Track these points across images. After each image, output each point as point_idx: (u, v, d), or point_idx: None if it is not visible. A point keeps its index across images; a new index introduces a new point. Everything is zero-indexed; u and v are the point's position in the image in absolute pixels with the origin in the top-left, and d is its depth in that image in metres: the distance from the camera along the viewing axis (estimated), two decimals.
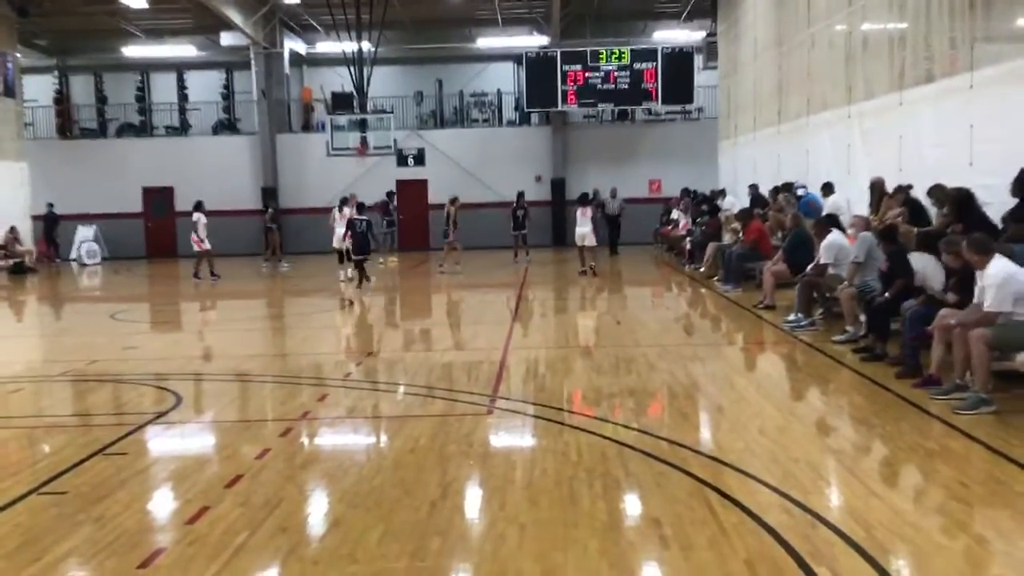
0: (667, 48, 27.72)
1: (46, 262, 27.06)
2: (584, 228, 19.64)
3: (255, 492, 5.64)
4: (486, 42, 30.25)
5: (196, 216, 20.88)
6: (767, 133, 20.71)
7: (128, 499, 5.65)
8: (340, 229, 19.87)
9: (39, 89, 30.64)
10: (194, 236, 20.79)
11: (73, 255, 28.20)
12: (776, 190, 17.41)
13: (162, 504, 5.74)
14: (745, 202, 19.68)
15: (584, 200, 20.34)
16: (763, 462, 6.02)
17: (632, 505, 5.36)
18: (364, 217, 18.82)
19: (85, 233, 28.42)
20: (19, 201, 26.49)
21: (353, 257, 18.60)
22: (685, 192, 24.61)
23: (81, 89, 32.38)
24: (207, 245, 20.82)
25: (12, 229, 25.45)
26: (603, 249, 23.04)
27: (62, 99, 31.77)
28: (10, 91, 26.36)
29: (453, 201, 22.28)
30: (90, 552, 4.76)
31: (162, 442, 7.23)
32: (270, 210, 26.02)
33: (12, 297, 20.52)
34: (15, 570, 4.50)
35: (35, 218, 27.45)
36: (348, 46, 26.49)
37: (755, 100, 21.97)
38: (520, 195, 24.09)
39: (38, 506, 5.51)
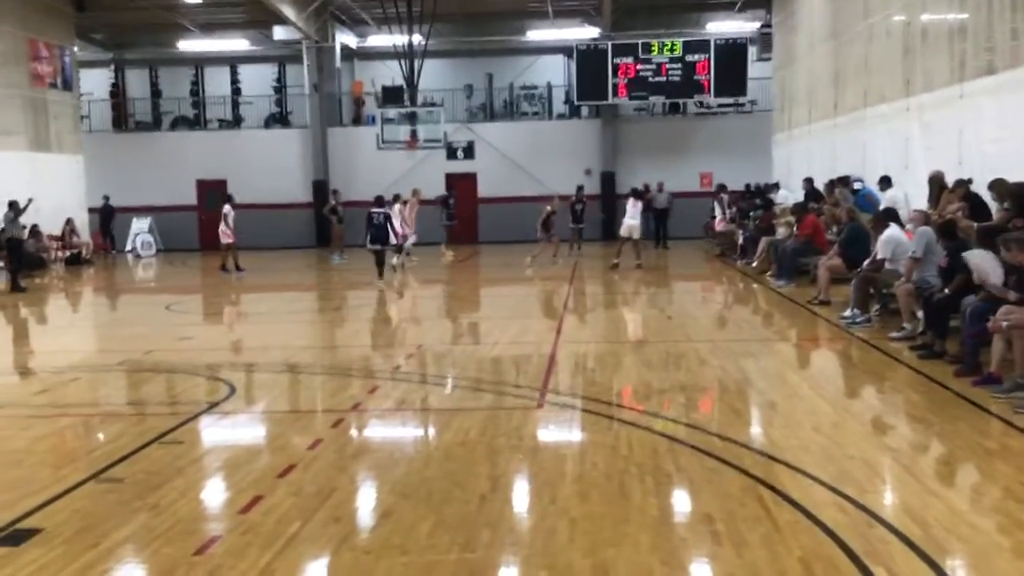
0: (720, 39, 27.35)
1: (102, 254, 27.54)
2: (634, 220, 20.07)
3: (307, 482, 5.69)
4: (536, 34, 30.16)
5: (226, 209, 20.88)
6: (822, 126, 20.40)
7: (183, 487, 5.74)
8: (394, 222, 19.93)
9: (95, 83, 31.19)
10: (223, 228, 20.79)
11: (128, 247, 28.66)
12: (832, 184, 17.13)
13: (216, 493, 5.82)
14: (799, 196, 19.42)
15: (636, 193, 20.84)
16: (817, 459, 5.93)
17: (684, 501, 5.31)
18: (382, 210, 18.98)
19: (140, 225, 28.84)
20: (76, 194, 27.02)
21: (368, 247, 18.77)
22: (721, 187, 24.32)
23: (136, 83, 32.89)
24: (232, 238, 20.78)
25: (69, 221, 25.96)
26: (649, 243, 23.31)
27: (118, 93, 32.31)
28: (67, 85, 26.89)
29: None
30: (147, 539, 4.83)
31: (216, 431, 7.32)
32: (332, 202, 25.60)
33: (69, 288, 20.95)
34: (74, 555, 4.59)
35: (91, 211, 27.92)
36: (399, 39, 26.61)
37: (810, 92, 21.64)
38: (579, 188, 24.14)
39: (96, 493, 5.61)
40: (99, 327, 15.44)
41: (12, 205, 19.28)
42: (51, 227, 24.71)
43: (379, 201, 19.32)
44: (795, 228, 16.20)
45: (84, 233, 26.88)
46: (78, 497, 5.53)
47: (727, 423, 7.05)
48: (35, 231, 22.97)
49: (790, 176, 22.84)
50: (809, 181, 19.45)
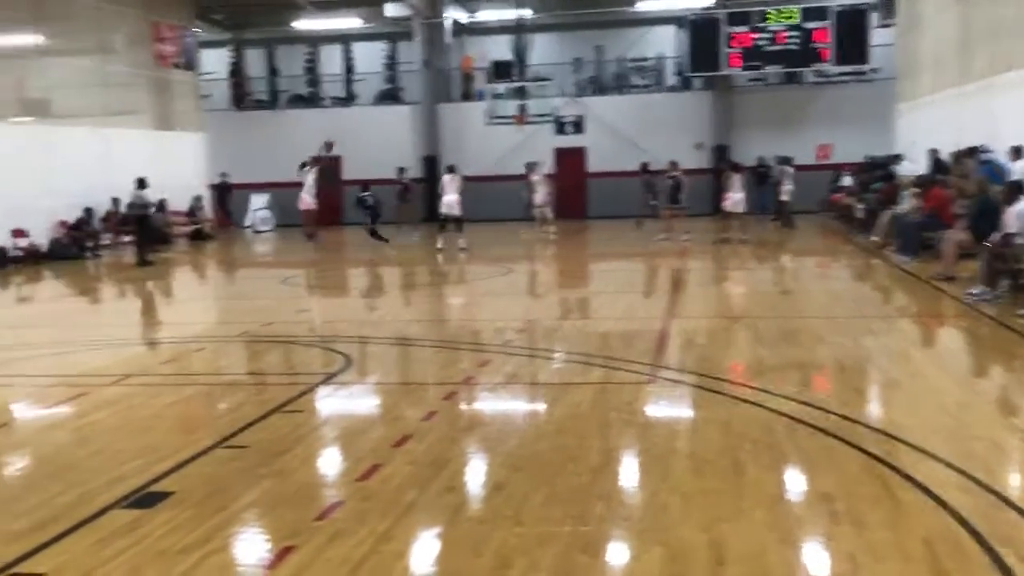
0: (840, 5, 26.36)
1: (221, 229, 28.50)
2: (738, 194, 20.31)
3: (422, 452, 5.79)
4: (647, 5, 29.63)
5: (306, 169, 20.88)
6: (949, 94, 19.54)
7: (304, 455, 5.92)
8: (450, 196, 20.12)
9: (216, 63, 32.18)
10: (303, 194, 20.85)
11: (247, 223, 29.57)
12: (959, 155, 16.42)
13: (335, 461, 5.98)
14: (922, 168, 18.70)
15: (735, 167, 21.17)
16: (942, 439, 5.73)
17: (801, 479, 5.21)
18: (368, 194, 20.83)
19: (258, 202, 29.71)
20: (198, 171, 28.01)
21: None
22: (784, 160, 23.53)
23: (254, 62, 33.77)
24: (313, 205, 20.80)
25: (198, 198, 26.97)
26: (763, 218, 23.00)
27: (237, 72, 33.25)
28: (189, 65, 27.83)
29: (675, 165, 22.04)
30: (271, 504, 5.01)
31: (333, 402, 7.52)
32: (404, 182, 25.68)
33: (193, 263, 21.78)
34: (203, 518, 4.79)
35: (211, 187, 28.91)
36: (509, 13, 26.58)
37: (936, 59, 20.73)
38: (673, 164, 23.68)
39: (222, 459, 5.84)
40: (220, 300, 16.03)
41: (140, 182, 20.12)
42: (175, 203, 25.71)
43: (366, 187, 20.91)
44: (920, 201, 15.61)
45: (208, 209, 27.87)
46: (206, 463, 5.76)
47: (846, 401, 6.85)
48: (161, 207, 23.91)
49: (913, 147, 21.98)
50: (934, 152, 18.71)
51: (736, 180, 20.73)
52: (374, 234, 20.94)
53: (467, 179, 21.78)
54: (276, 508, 4.93)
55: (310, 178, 20.84)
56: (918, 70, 22.59)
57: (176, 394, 7.95)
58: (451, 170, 21.05)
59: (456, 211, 20.01)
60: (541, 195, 22.36)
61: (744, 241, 19.57)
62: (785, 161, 23.33)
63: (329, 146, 22.02)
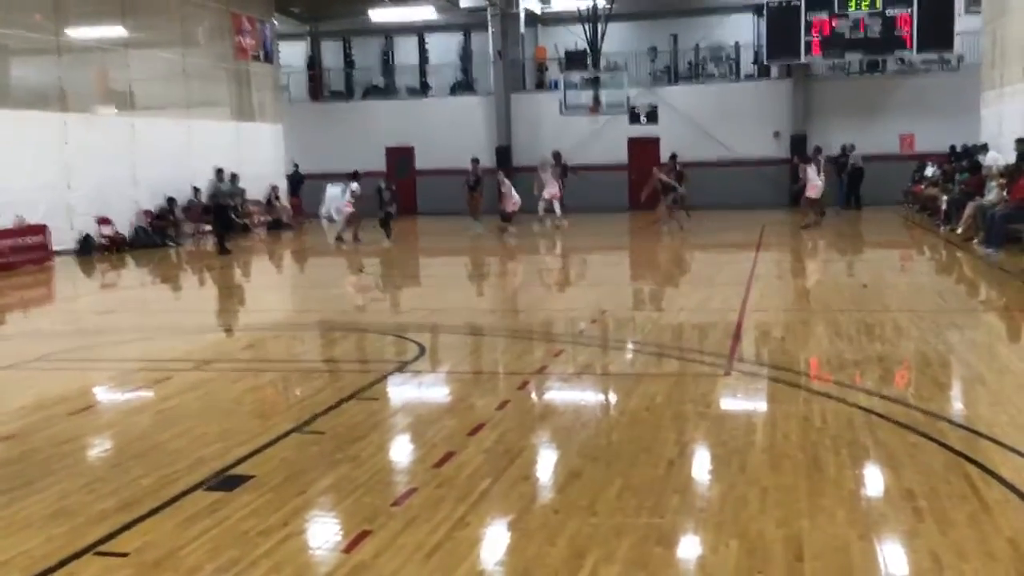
0: None
1: (295, 218, 28.87)
2: (819, 181, 21.15)
3: (496, 441, 5.80)
4: None
5: (354, 186, 20.95)
6: None
7: (380, 441, 5.99)
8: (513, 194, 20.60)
9: (293, 55, 32.68)
10: (346, 202, 21.12)
11: (323, 213, 29.92)
12: None
13: (410, 447, 6.03)
14: (1009, 158, 18.08)
15: (806, 158, 22.10)
16: None
17: (882, 476, 5.07)
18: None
19: (334, 192, 30.01)
20: (276, 161, 28.50)
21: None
22: (817, 150, 22.90)
23: (331, 54, 34.21)
24: (353, 209, 20.97)
25: (274, 188, 27.44)
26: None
27: (314, 64, 33.71)
28: (268, 57, 28.30)
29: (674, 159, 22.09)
30: (348, 488, 5.07)
31: (407, 390, 7.58)
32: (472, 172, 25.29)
33: (270, 251, 22.17)
34: (282, 501, 4.87)
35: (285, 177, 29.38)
36: (583, 3, 26.43)
37: None
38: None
39: (300, 444, 5.93)
40: (297, 288, 16.31)
41: (219, 172, 20.55)
42: (254, 193, 26.21)
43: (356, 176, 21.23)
44: (1007, 192, 15.11)
45: (285, 199, 28.32)
46: (284, 447, 5.86)
47: (929, 397, 6.68)
48: (241, 196, 24.39)
49: (1000, 137, 21.27)
50: (1022, 142, 18.07)
51: (811, 168, 20.99)
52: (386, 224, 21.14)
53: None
54: (352, 493, 4.98)
55: (355, 186, 21.09)
56: (1005, 57, 21.82)
57: (255, 379, 8.10)
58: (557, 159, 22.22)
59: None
60: (554, 188, 22.18)
61: (818, 223, 20.07)
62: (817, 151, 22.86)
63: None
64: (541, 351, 8.87)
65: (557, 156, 23.96)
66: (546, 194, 22.37)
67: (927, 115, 26.72)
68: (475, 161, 25.51)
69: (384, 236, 20.88)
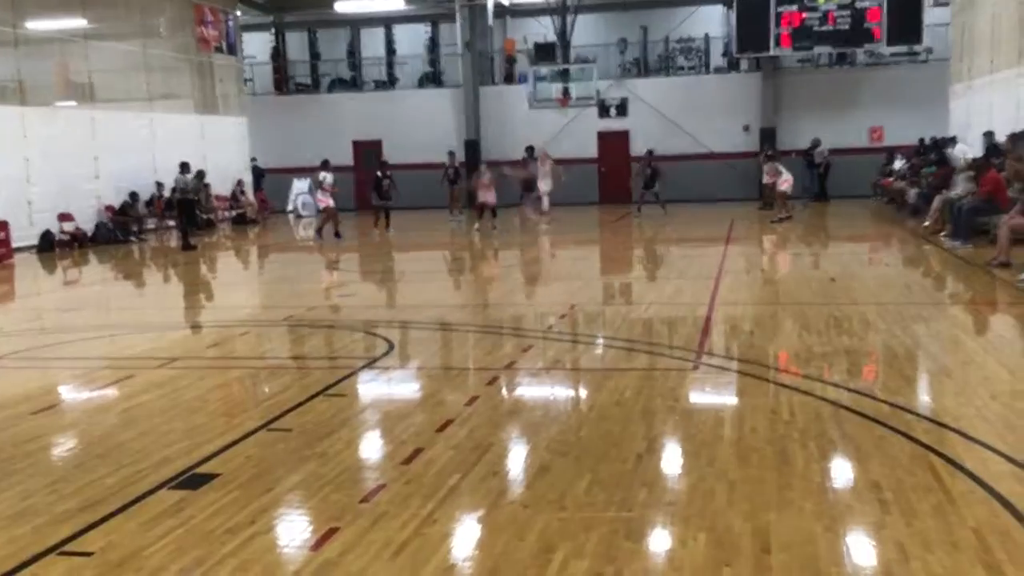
0: None
1: (260, 213, 28.61)
2: (790, 175, 21.39)
3: (465, 437, 5.78)
4: None
5: (323, 175, 20.87)
6: (1006, 76, 19.06)
7: (348, 438, 5.95)
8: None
9: (257, 46, 32.31)
10: (319, 195, 21.05)
11: (289, 207, 29.66)
12: (1015, 137, 16.03)
13: (379, 444, 6.00)
14: (977, 151, 18.30)
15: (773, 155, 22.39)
16: (996, 429, 5.60)
17: (849, 468, 5.11)
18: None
19: (300, 186, 29.67)
20: (241, 155, 28.21)
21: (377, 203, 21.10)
22: (768, 150, 23.14)
23: (296, 45, 33.85)
24: (331, 203, 20.80)
25: (240, 183, 27.18)
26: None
27: (278, 55, 33.38)
28: (231, 49, 27.98)
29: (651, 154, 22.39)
30: (316, 485, 5.03)
31: (376, 386, 7.55)
32: (450, 165, 25.57)
33: (236, 247, 21.98)
34: (249, 499, 4.82)
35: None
36: None
37: (993, 39, 20.22)
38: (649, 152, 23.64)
39: (267, 441, 5.88)
40: (264, 284, 16.17)
41: (184, 166, 20.33)
42: (218, 188, 25.93)
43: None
44: (974, 185, 15.27)
45: (250, 194, 28.08)
46: (251, 445, 5.81)
47: (896, 389, 6.73)
48: (205, 191, 24.15)
49: (968, 130, 21.52)
50: (990, 135, 18.31)
51: (777, 165, 21.46)
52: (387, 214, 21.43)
53: (514, 163, 22.12)
54: (320, 490, 4.95)
55: (330, 178, 20.94)
56: (974, 50, 22.06)
57: (221, 377, 8.02)
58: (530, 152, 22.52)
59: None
60: (548, 182, 22.17)
61: (788, 218, 20.36)
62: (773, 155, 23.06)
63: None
64: (511, 346, 8.86)
65: (531, 150, 23.94)
66: (543, 187, 22.30)
67: (896, 108, 26.94)
68: (451, 154, 25.51)
69: (384, 227, 21.00)
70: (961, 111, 23.37)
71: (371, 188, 21.80)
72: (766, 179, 22.15)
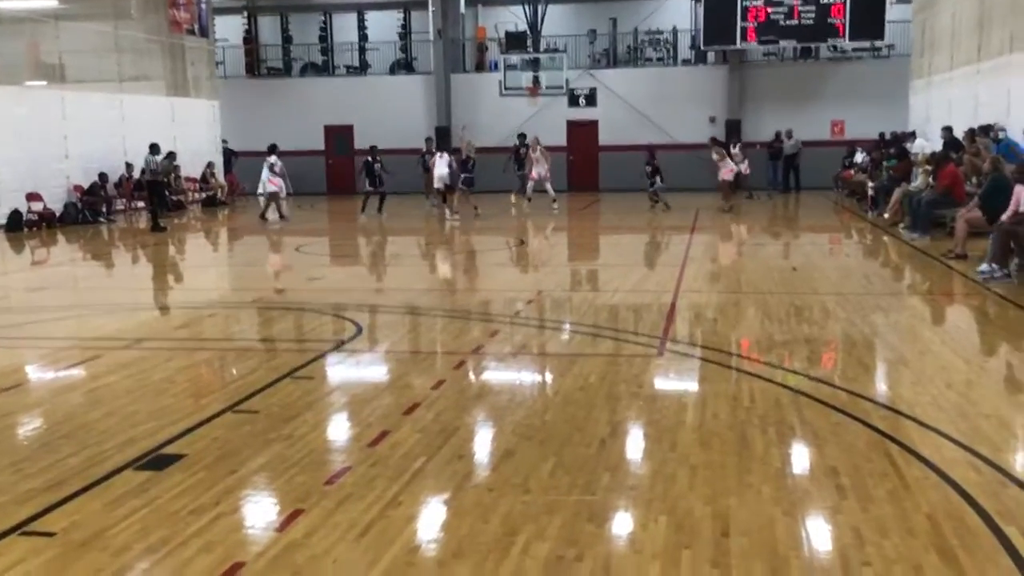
0: None
1: (230, 196, 28.39)
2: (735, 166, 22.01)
3: (432, 420, 5.84)
4: None
5: (272, 159, 21.10)
6: (965, 72, 19.38)
7: (315, 420, 5.98)
8: (441, 170, 20.86)
9: (230, 29, 32.00)
10: (269, 177, 21.17)
11: (260, 191, 29.38)
12: (972, 133, 16.31)
13: (345, 427, 6.03)
14: (936, 146, 18.58)
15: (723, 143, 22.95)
16: (950, 417, 5.74)
17: (807, 454, 5.22)
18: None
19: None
20: (212, 137, 27.98)
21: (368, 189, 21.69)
22: (714, 140, 23.40)
23: (268, 29, 33.60)
24: (275, 187, 21.17)
25: (210, 164, 26.95)
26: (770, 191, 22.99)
27: (250, 39, 33.08)
28: (203, 31, 27.71)
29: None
30: (281, 467, 5.06)
31: (344, 369, 7.57)
32: (427, 151, 25.37)
33: (205, 229, 21.82)
34: (214, 480, 4.84)
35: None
36: None
37: (953, 36, 20.55)
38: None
39: (233, 423, 5.89)
40: (233, 266, 16.08)
41: (154, 147, 20.14)
42: (189, 170, 25.72)
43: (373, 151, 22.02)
44: (932, 179, 15.52)
45: (220, 176, 27.85)
46: (217, 426, 5.82)
47: (854, 377, 6.87)
48: (176, 172, 23.95)
49: (928, 125, 21.86)
50: (948, 130, 18.58)
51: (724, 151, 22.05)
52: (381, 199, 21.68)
53: (480, 151, 22.10)
54: (285, 472, 4.98)
55: (276, 160, 21.18)
56: (934, 47, 22.39)
57: (188, 359, 8.01)
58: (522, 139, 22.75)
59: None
60: (543, 168, 22.27)
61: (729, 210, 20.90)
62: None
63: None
64: (478, 331, 8.91)
65: (522, 137, 23.91)
66: (534, 174, 22.26)
67: (858, 102, 27.26)
68: (429, 140, 25.44)
69: (377, 211, 21.32)
70: (921, 106, 23.71)
71: (361, 174, 22.07)
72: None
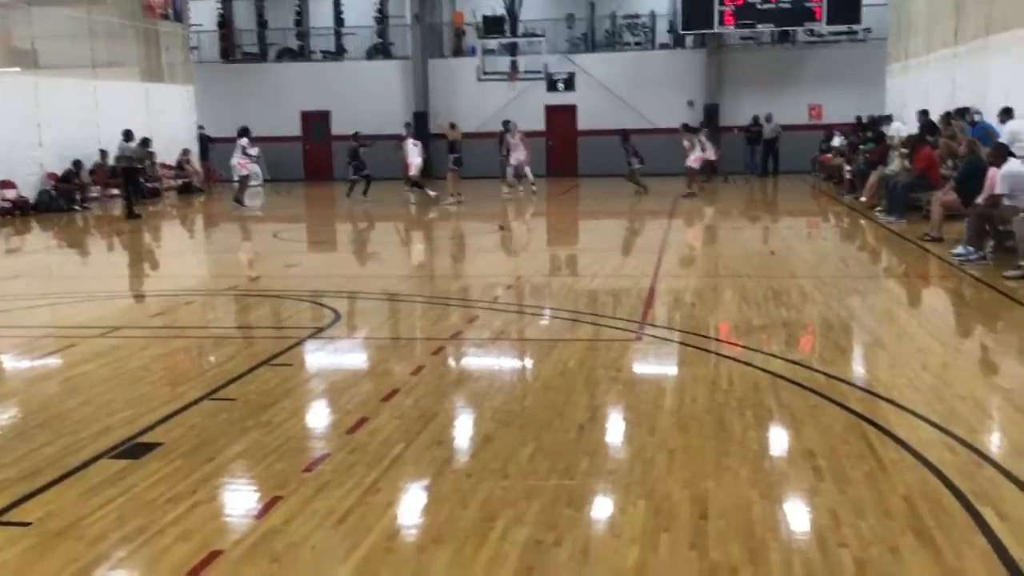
0: None
1: (207, 183, 28.16)
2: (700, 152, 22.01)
3: (410, 406, 5.83)
4: None
5: (244, 142, 21.11)
6: (941, 55, 19.46)
7: (293, 408, 5.95)
8: (415, 159, 20.87)
9: (204, 14, 31.63)
10: (240, 160, 21.17)
11: (236, 177, 29.15)
12: (948, 116, 16.40)
13: (324, 414, 6.01)
14: (913, 129, 18.66)
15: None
16: (926, 398, 5.79)
17: (785, 436, 5.26)
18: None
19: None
20: (187, 123, 27.72)
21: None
22: (685, 127, 23.42)
23: (243, 14, 33.23)
24: (245, 171, 21.29)
25: (185, 151, 26.71)
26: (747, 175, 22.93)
27: (225, 23, 32.73)
28: (178, 15, 27.41)
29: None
30: (259, 455, 5.04)
31: (322, 356, 7.54)
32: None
33: (181, 216, 21.66)
34: (191, 468, 4.82)
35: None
36: None
37: (929, 20, 20.62)
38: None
39: (210, 411, 5.86)
40: (210, 253, 15.98)
41: (128, 133, 19.95)
42: (164, 156, 25.48)
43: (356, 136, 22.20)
44: (909, 162, 15.60)
45: (196, 163, 27.62)
46: (194, 414, 5.78)
47: (831, 360, 6.91)
48: (150, 159, 23.72)
49: (904, 108, 21.94)
50: (925, 113, 18.68)
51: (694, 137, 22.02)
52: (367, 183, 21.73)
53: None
54: (264, 460, 4.96)
55: (247, 143, 21.15)
56: (910, 30, 22.47)
57: (165, 347, 7.96)
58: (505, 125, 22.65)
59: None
60: (522, 154, 22.27)
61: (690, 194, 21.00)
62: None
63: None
64: (457, 317, 8.89)
65: (506, 124, 23.81)
66: (513, 160, 22.22)
67: (835, 86, 27.34)
68: (408, 125, 25.24)
69: (363, 195, 21.56)
70: (897, 90, 23.81)
71: (347, 160, 22.21)
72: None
